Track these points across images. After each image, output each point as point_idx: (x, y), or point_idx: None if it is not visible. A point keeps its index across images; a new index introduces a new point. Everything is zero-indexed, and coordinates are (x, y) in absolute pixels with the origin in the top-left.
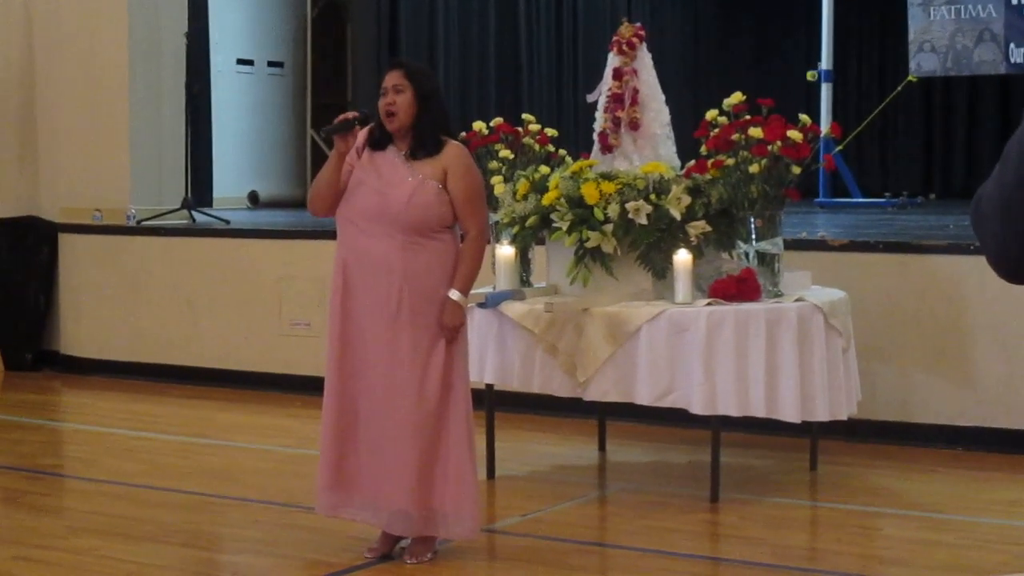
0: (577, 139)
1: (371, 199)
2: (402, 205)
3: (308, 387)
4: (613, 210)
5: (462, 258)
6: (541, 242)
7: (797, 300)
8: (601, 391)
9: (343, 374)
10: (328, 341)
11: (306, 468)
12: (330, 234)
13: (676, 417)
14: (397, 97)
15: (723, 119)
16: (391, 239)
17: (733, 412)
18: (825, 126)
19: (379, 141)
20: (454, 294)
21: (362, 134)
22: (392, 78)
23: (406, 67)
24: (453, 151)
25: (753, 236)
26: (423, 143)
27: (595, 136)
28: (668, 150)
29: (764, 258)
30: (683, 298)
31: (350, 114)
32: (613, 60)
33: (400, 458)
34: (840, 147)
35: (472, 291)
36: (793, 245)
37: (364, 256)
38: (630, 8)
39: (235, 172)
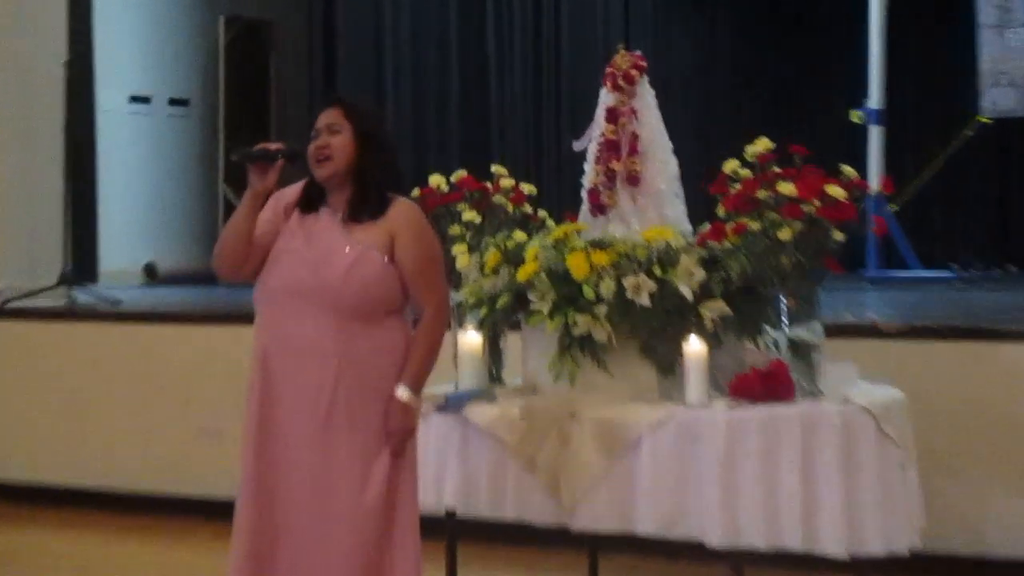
0: (561, 197)
1: (299, 272)
2: (338, 280)
3: (221, 513)
4: (607, 287)
5: (414, 346)
6: (516, 328)
7: (841, 401)
8: (592, 517)
9: (260, 490)
10: (242, 449)
11: None
12: (250, 316)
13: (688, 551)
14: (332, 139)
15: (745, 172)
16: (324, 323)
17: (760, 545)
18: (875, 180)
19: (311, 200)
20: (402, 392)
21: (292, 191)
22: (327, 117)
23: (345, 104)
24: (402, 211)
25: (784, 320)
26: (365, 199)
27: (584, 193)
28: (676, 211)
29: (798, 347)
30: (696, 399)
31: (273, 145)
32: (607, 98)
33: None
34: (894, 206)
35: (427, 389)
36: (835, 331)
37: (290, 344)
38: (628, 33)
39: (128, 238)
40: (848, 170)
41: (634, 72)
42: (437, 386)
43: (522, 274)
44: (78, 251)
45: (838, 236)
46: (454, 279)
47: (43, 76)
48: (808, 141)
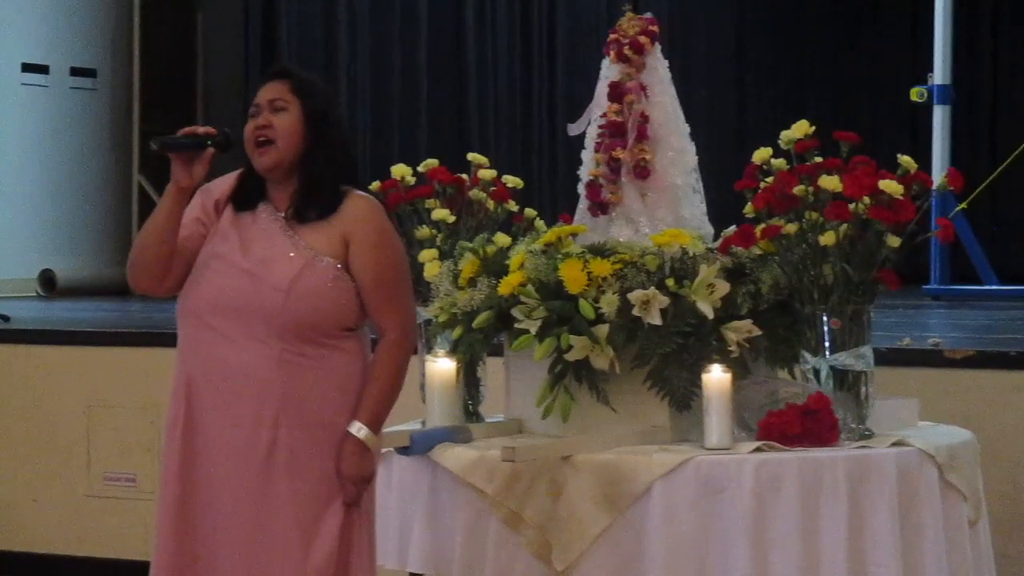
0: (553, 192)
1: (232, 283)
2: (280, 294)
3: None
4: (609, 303)
5: (372, 376)
6: (498, 353)
7: (896, 444)
8: None
9: (180, 552)
10: (160, 501)
11: None
12: (170, 337)
13: None
14: (275, 118)
15: (780, 162)
16: (262, 347)
17: None
18: (939, 173)
19: (247, 195)
20: (359, 429)
21: (223, 183)
22: (269, 91)
23: (292, 77)
24: (358, 208)
25: (827, 344)
26: (314, 194)
27: (581, 188)
28: (694, 210)
29: (845, 378)
30: (718, 440)
31: (201, 128)
32: (610, 70)
33: None
34: (963, 204)
35: (388, 427)
36: (890, 358)
37: (220, 372)
38: None
39: (19, 241)
40: (906, 161)
41: (644, 39)
42: (401, 424)
43: (505, 287)
44: None
45: (894, 242)
46: (422, 292)
47: None
48: (858, 126)
